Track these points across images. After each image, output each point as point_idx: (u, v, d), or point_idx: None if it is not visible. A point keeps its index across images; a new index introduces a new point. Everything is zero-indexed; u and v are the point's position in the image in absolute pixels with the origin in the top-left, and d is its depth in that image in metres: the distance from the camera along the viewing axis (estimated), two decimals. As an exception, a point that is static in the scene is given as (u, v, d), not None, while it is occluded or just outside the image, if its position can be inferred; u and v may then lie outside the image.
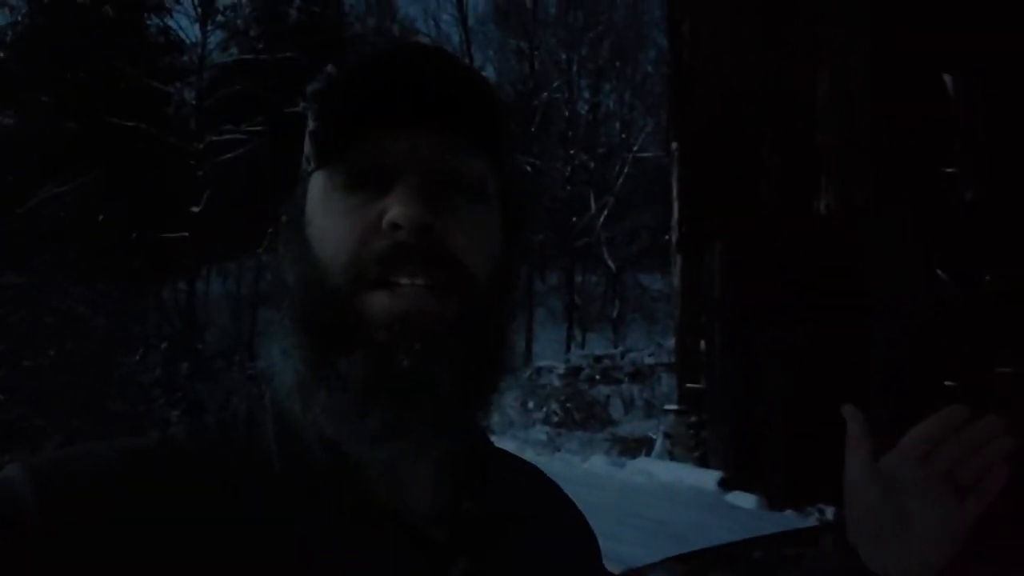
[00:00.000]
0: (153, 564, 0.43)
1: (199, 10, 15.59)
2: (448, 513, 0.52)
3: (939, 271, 6.30)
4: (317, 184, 0.51)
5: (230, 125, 14.45)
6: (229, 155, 14.53)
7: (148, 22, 16.62)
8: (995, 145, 5.95)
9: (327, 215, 0.50)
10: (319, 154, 0.50)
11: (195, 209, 14.28)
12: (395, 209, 0.47)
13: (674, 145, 9.39)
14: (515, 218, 0.55)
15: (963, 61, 6.19)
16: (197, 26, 15.67)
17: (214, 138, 14.63)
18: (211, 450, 0.49)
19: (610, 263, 19.51)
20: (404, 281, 0.46)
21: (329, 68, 0.50)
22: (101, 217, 12.44)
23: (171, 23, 17.08)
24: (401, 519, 0.50)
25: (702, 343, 8.37)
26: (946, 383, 6.09)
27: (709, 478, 7.72)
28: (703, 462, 8.13)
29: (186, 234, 14.19)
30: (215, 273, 17.91)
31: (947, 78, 6.31)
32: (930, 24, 6.32)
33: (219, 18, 16.27)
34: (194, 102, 15.02)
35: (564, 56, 21.41)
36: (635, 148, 20.47)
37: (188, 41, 16.40)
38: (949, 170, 6.25)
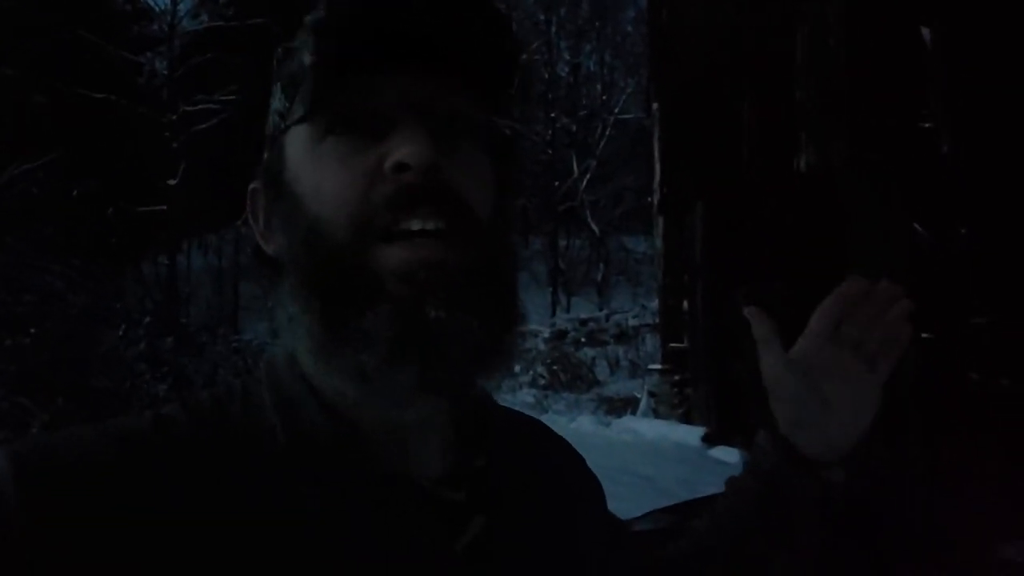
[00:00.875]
0: (154, 559, 0.40)
1: (167, -24, 15.14)
2: (459, 473, 0.51)
3: (916, 225, 6.38)
4: (298, 139, 0.48)
5: (203, 95, 14.16)
6: (203, 125, 14.26)
7: (114, -11, 16.14)
8: (970, 99, 6.00)
9: (319, 168, 0.47)
10: (313, 99, 0.46)
11: (172, 182, 14.06)
12: (402, 149, 0.44)
13: (655, 106, 9.35)
14: (505, 161, 0.53)
15: (940, 14, 6.20)
16: (165, -8, 15.26)
17: (187, 108, 14.35)
18: (208, 428, 0.47)
19: (594, 226, 19.51)
20: (415, 226, 0.44)
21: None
22: (75, 192, 12.24)
23: (138, -10, 16.58)
24: (413, 482, 0.49)
25: (685, 303, 8.46)
26: (923, 335, 6.22)
27: (693, 434, 7.87)
28: (687, 419, 8.29)
29: (164, 207, 13.99)
30: (196, 246, 17.72)
31: (924, 31, 6.32)
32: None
33: (188, -16, 15.83)
34: (166, 72, 14.69)
35: (543, 17, 21.11)
36: (616, 110, 20.33)
37: (157, 9, 15.96)
38: (925, 125, 6.30)
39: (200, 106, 14.13)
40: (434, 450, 0.51)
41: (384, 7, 0.44)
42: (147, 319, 11.12)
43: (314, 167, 0.47)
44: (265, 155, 0.52)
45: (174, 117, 14.22)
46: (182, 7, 15.75)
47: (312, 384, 0.49)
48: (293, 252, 0.47)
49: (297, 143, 0.49)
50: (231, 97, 13.89)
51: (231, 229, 16.47)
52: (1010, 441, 5.05)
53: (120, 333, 9.69)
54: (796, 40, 7.40)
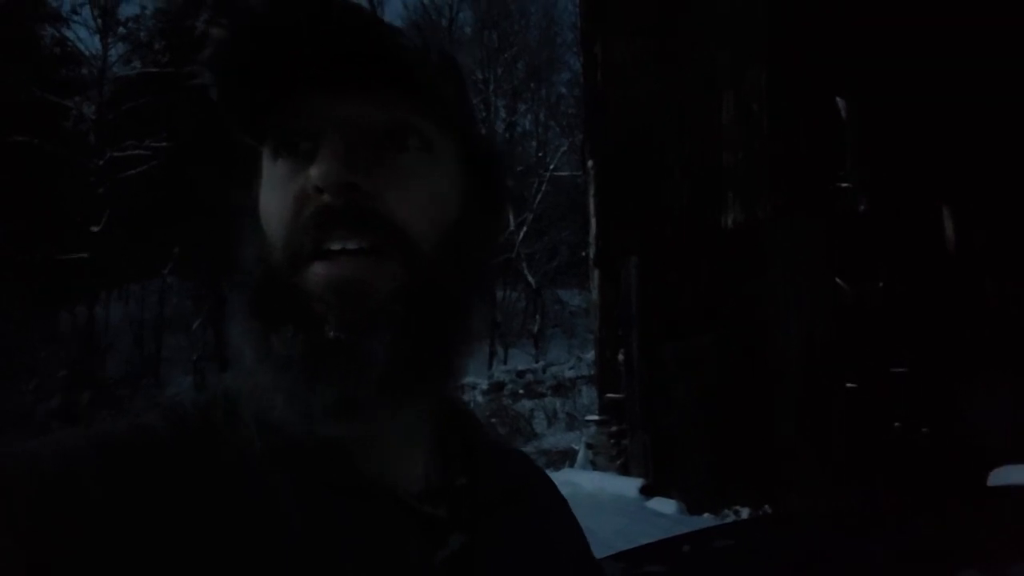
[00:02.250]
0: (134, 566, 0.40)
1: (99, 21, 14.90)
2: (441, 489, 0.51)
3: (837, 279, 6.72)
4: (263, 160, 0.49)
5: (132, 140, 13.81)
6: (131, 172, 13.87)
7: (42, 32, 15.74)
8: (884, 161, 6.42)
9: (267, 189, 0.48)
10: (238, 127, 0.47)
11: (95, 229, 13.54)
12: (315, 171, 0.44)
13: (590, 163, 9.64)
14: (485, 181, 0.52)
15: (852, 84, 6.67)
16: (97, 37, 14.98)
17: (115, 154, 13.95)
18: (189, 437, 0.46)
19: (530, 279, 19.72)
20: (335, 247, 0.44)
21: (215, 31, 0.44)
22: (-11, 238, 11.63)
23: (68, 34, 16.22)
24: (394, 495, 0.48)
25: (620, 355, 8.58)
26: (847, 385, 6.47)
27: (631, 485, 7.88)
28: (624, 470, 8.31)
29: (85, 255, 13.42)
30: (115, 296, 16.98)
31: (840, 101, 6.78)
32: (822, 51, 6.78)
33: (120, 30, 15.59)
34: (94, 116, 14.30)
35: (480, 75, 21.66)
36: (551, 167, 20.85)
37: (87, 53, 15.61)
38: (844, 184, 6.70)
39: (129, 152, 13.76)
40: (416, 465, 0.51)
41: (265, 39, 0.43)
42: (62, 372, 10.51)
43: (265, 188, 0.48)
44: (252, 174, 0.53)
45: (101, 162, 13.79)
46: (113, 52, 15.49)
47: None
48: (244, 272, 0.48)
49: (262, 164, 0.50)
50: (162, 144, 13.61)
51: (155, 278, 15.88)
52: (933, 484, 5.26)
53: (31, 387, 9.12)
54: (722, 104, 7.83)
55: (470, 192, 0.51)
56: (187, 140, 13.45)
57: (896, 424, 6.06)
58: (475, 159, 0.51)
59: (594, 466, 8.83)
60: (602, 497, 7.76)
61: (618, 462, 8.47)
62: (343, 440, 0.47)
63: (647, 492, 7.72)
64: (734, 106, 7.72)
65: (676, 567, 2.28)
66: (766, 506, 6.84)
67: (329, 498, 0.46)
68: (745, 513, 6.94)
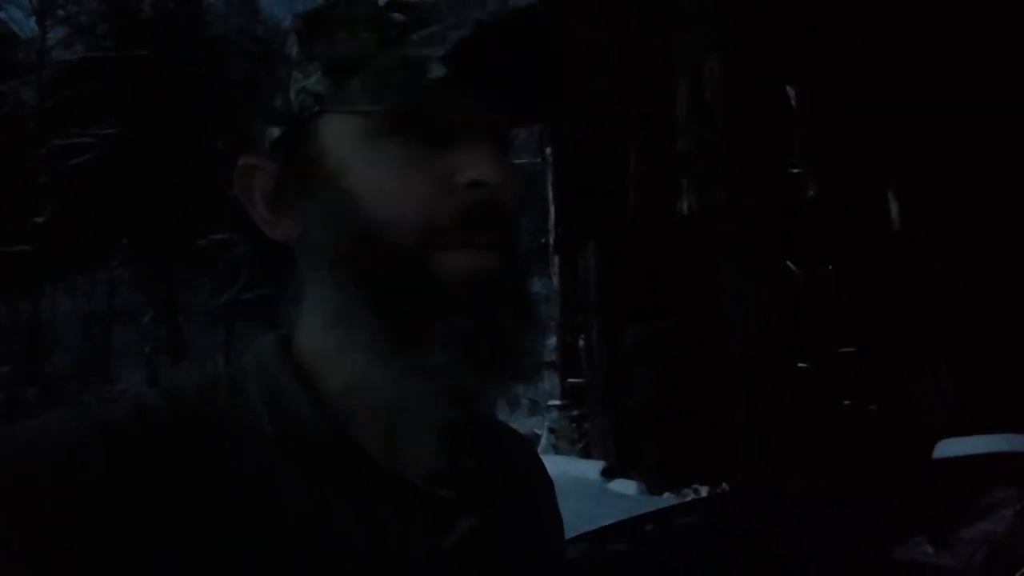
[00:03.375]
0: (135, 550, 0.39)
1: (34, 2, 14.26)
2: (449, 472, 0.51)
3: (788, 263, 6.91)
4: (345, 128, 0.47)
5: (76, 128, 13.31)
6: (76, 160, 13.39)
7: (-27, 14, 15.00)
8: (833, 147, 6.61)
9: (379, 167, 0.46)
10: (413, 106, 0.46)
11: (38, 219, 13.05)
12: (481, 167, 0.46)
13: (548, 150, 9.68)
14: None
15: (802, 73, 6.83)
16: (33, 20, 14.35)
17: (57, 142, 13.44)
18: (192, 419, 0.45)
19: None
20: (478, 240, 0.45)
21: (478, 15, 0.46)
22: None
23: (0, 15, 15.47)
24: (402, 477, 0.48)
25: (581, 340, 8.68)
26: (799, 364, 6.68)
27: (592, 468, 8.01)
28: (586, 453, 8.43)
29: (27, 247, 12.94)
30: (62, 289, 16.43)
31: (790, 89, 6.95)
32: (774, 40, 6.93)
33: (59, 12, 14.94)
34: (34, 102, 13.73)
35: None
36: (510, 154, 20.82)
37: (23, 36, 14.95)
38: (794, 171, 6.88)
39: (73, 140, 13.26)
40: (426, 448, 0.50)
41: (508, 33, 0.46)
42: (5, 368, 10.15)
43: (373, 164, 0.46)
44: (275, 132, 0.50)
45: (43, 151, 13.28)
46: (52, 36, 14.87)
47: (304, 377, 0.48)
48: (345, 248, 0.46)
49: (343, 132, 0.47)
50: (108, 131, 13.15)
51: (103, 270, 15.40)
52: (879, 459, 5.48)
53: (-26, 384, 8.80)
54: (676, 93, 7.93)
55: None
56: (135, 127, 13.05)
57: (846, 402, 6.28)
58: None
59: (556, 450, 8.94)
60: (564, 480, 7.87)
61: (579, 446, 8.60)
62: (372, 422, 0.48)
63: (608, 474, 7.86)
64: (688, 95, 7.84)
65: (639, 546, 2.35)
66: (724, 484, 7.04)
67: (336, 481, 0.46)
68: (704, 491, 7.13)
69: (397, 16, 0.47)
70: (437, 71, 0.44)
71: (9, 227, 12.65)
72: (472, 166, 0.46)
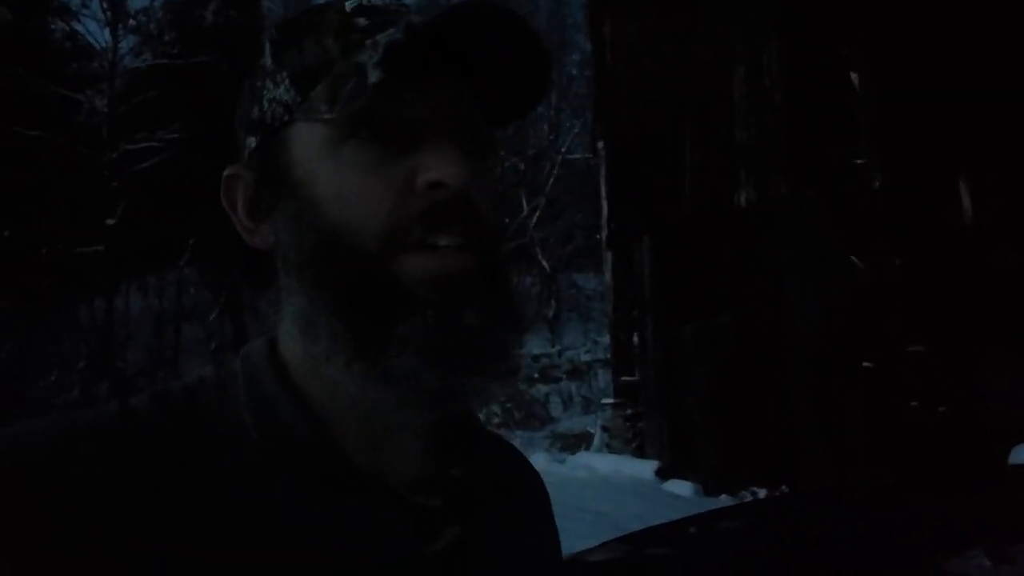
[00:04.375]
0: (121, 553, 0.39)
1: (108, 14, 14.94)
2: (435, 480, 0.51)
3: (852, 257, 6.63)
4: (311, 135, 0.47)
5: (145, 133, 13.90)
6: (145, 164, 13.97)
7: (52, 26, 15.80)
8: (899, 136, 6.31)
9: (342, 172, 0.46)
10: (363, 111, 0.46)
11: (110, 221, 13.66)
12: (441, 168, 0.45)
13: (600, 145, 9.57)
14: (496, 165, 0.55)
15: (866, 60, 6.55)
16: (107, 31, 15.02)
17: (128, 147, 14.04)
18: (178, 421, 0.46)
19: (544, 264, 19.67)
20: (443, 242, 0.45)
21: (411, 18, 0.46)
22: (7, 233, 11.77)
23: (78, 27, 16.26)
24: (388, 485, 0.48)
25: (635, 338, 8.55)
26: (864, 364, 6.41)
27: (647, 468, 7.88)
28: (640, 453, 8.31)
29: (101, 248, 13.56)
30: (135, 288, 17.20)
31: (854, 76, 6.66)
32: (835, 25, 6.65)
33: (131, 22, 15.62)
34: (106, 109, 14.38)
35: (489, 59, 21.46)
36: (563, 149, 20.71)
37: (98, 46, 15.69)
38: (858, 161, 6.60)
39: (142, 144, 13.84)
40: (411, 455, 0.50)
41: (449, 29, 0.45)
42: (81, 364, 10.66)
43: (336, 171, 0.46)
44: (251, 142, 0.51)
45: (114, 155, 13.89)
46: (124, 45, 15.55)
47: (291, 381, 0.49)
48: (308, 253, 0.46)
49: (310, 139, 0.47)
50: (174, 135, 13.67)
51: (172, 270, 16.04)
52: (948, 464, 5.20)
53: (52, 379, 9.27)
54: (733, 81, 7.71)
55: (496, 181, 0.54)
56: (198, 131, 13.51)
57: (913, 404, 5.99)
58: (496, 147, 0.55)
59: (610, 449, 8.84)
60: (618, 480, 7.77)
61: (634, 445, 8.47)
62: (358, 428, 0.48)
63: (663, 474, 7.71)
64: (746, 82, 7.61)
65: (681, 549, 2.27)
66: (783, 487, 6.81)
67: (322, 487, 0.46)
68: (762, 494, 6.91)
69: (361, 21, 0.47)
70: (373, 76, 0.44)
71: (84, 229, 13.30)
72: (431, 168, 0.45)
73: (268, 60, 0.49)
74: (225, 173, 0.52)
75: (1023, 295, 5.35)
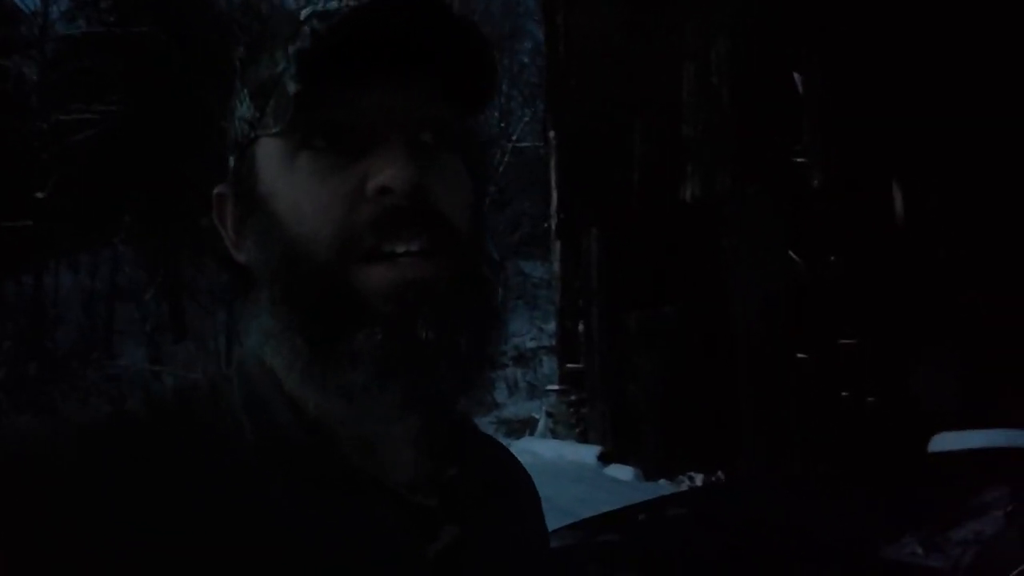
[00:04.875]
0: (114, 557, 0.39)
1: (37, -24, 14.15)
2: (432, 480, 0.51)
3: (791, 253, 6.86)
4: (271, 150, 0.47)
5: (80, 104, 13.26)
6: (79, 136, 13.34)
7: (-24, -13, 14.89)
8: (839, 136, 6.54)
9: (296, 184, 0.45)
10: (294, 118, 0.44)
11: (40, 195, 13.03)
12: (386, 172, 0.44)
13: (551, 134, 9.61)
14: (480, 166, 0.54)
15: (811, 61, 6.75)
16: (36, -6, 14.24)
17: (62, 117, 13.38)
18: (173, 425, 0.45)
19: (492, 251, 19.66)
20: (400, 249, 0.44)
21: (311, 24, 0.44)
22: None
23: (4, -11, 15.34)
24: (385, 486, 0.48)
25: (581, 326, 8.67)
26: (798, 355, 6.67)
27: (589, 453, 8.04)
28: (583, 438, 8.46)
29: (30, 223, 12.93)
30: (65, 266, 16.45)
31: (797, 76, 6.86)
32: (783, 26, 6.84)
33: (62, -14, 14.83)
34: (35, 77, 13.65)
35: (440, 42, 21.19)
36: (514, 138, 20.69)
37: (26, 10, 14.85)
38: (800, 160, 6.82)
39: (76, 116, 13.20)
40: (407, 456, 0.50)
41: (365, 27, 0.43)
42: (7, 343, 10.19)
43: (291, 183, 0.46)
44: (232, 161, 0.51)
45: (45, 126, 13.22)
46: (55, 9, 14.76)
47: (285, 386, 0.48)
48: (271, 268, 0.46)
49: (270, 155, 0.47)
50: (111, 108, 13.09)
51: (107, 247, 15.41)
52: (878, 453, 5.47)
53: (-24, 359, 8.83)
54: (683, 77, 7.85)
55: (476, 177, 0.52)
56: (137, 104, 12.98)
57: (844, 394, 6.27)
58: (477, 142, 0.54)
59: (554, 435, 8.97)
60: (561, 464, 7.90)
61: (577, 430, 8.62)
62: (344, 432, 0.47)
63: (605, 459, 7.88)
64: (695, 78, 7.75)
65: (631, 536, 2.34)
66: (719, 472, 7.05)
67: (320, 490, 0.46)
68: (699, 479, 7.14)
69: (283, 50, 0.45)
70: (291, 88, 0.43)
71: (11, 202, 12.65)
72: (378, 172, 0.44)
73: (237, 81, 0.50)
74: (214, 192, 0.52)
75: (950, 293, 5.65)
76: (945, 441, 4.12)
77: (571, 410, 8.78)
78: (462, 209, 0.48)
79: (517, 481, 0.62)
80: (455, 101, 0.48)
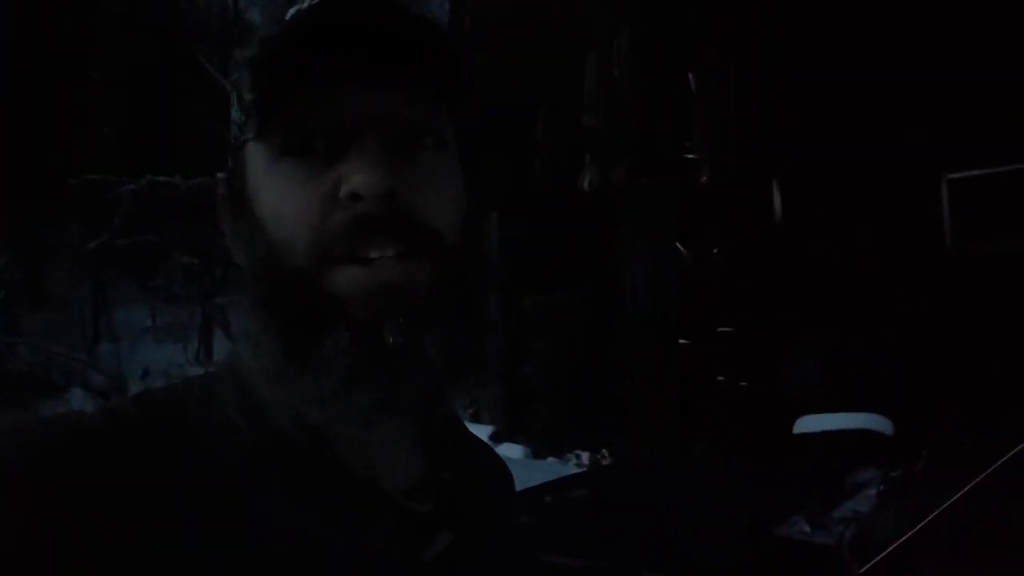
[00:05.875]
0: (107, 557, 0.38)
1: None
2: (426, 485, 0.51)
3: (678, 244, 7.22)
4: (255, 154, 0.47)
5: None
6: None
7: None
8: (726, 137, 6.92)
9: (275, 188, 0.45)
10: (261, 124, 0.44)
11: None
12: (354, 178, 0.43)
13: (452, 115, 9.52)
14: (472, 160, 0.53)
15: (703, 63, 7.08)
16: None
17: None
18: (165, 425, 0.44)
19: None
20: (373, 254, 0.43)
21: (260, 31, 0.44)
22: None
23: None
24: (382, 489, 0.48)
25: (478, 308, 8.74)
26: (680, 341, 7.06)
27: (481, 433, 8.13)
28: (476, 418, 8.58)
29: None
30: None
31: (691, 76, 7.19)
32: (682, 24, 7.12)
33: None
34: None
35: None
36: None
37: None
38: (690, 155, 7.16)
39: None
40: (401, 461, 0.50)
41: (317, 30, 0.42)
42: None
43: (271, 188, 0.45)
44: (230, 162, 0.50)
45: None
46: None
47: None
48: (255, 271, 0.47)
49: (255, 159, 0.47)
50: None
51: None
52: (753, 434, 5.91)
53: None
54: (586, 67, 8.01)
55: (466, 176, 0.51)
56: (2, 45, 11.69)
57: (720, 378, 6.70)
58: (463, 133, 0.53)
59: (446, 415, 9.03)
60: (454, 444, 7.97)
61: (470, 411, 8.73)
62: (339, 435, 0.47)
63: (496, 438, 8.05)
64: (598, 69, 7.93)
65: (538, 517, 2.43)
66: (603, 451, 7.38)
67: (317, 492, 0.45)
68: (585, 457, 7.45)
69: (254, 39, 0.45)
70: (248, 97, 0.44)
71: None
72: (348, 179, 0.43)
73: (230, 83, 0.50)
74: (218, 194, 0.52)
75: (819, 286, 6.16)
76: (808, 423, 4.50)
77: (464, 391, 8.87)
78: (446, 210, 0.47)
79: (501, 481, 0.63)
80: (440, 102, 0.48)
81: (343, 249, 0.43)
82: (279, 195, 0.45)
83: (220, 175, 0.52)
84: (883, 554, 1.40)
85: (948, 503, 1.52)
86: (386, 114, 0.45)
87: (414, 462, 0.51)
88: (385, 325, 0.43)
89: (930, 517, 1.50)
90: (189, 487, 0.42)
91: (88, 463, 0.40)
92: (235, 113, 0.48)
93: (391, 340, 0.43)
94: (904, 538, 1.46)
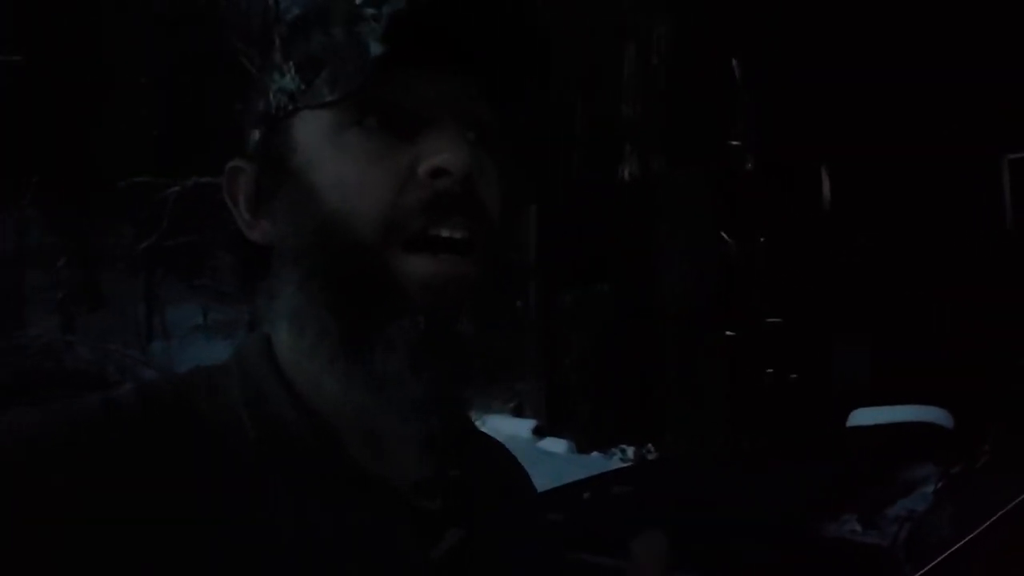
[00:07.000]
0: (106, 552, 0.37)
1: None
2: (435, 481, 0.50)
3: (722, 233, 7.09)
4: (314, 123, 0.46)
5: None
6: (-19, 90, 12.39)
7: None
8: (771, 124, 6.76)
9: (343, 159, 0.45)
10: (362, 89, 0.44)
11: (-63, 152, 12.07)
12: (443, 154, 0.43)
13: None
14: (515, 155, 0.53)
15: (747, 48, 6.93)
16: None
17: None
18: (168, 418, 0.44)
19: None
20: (445, 233, 0.44)
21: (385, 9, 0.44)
22: None
23: None
24: (390, 485, 0.47)
25: (518, 302, 8.73)
26: (727, 333, 6.93)
27: (524, 427, 8.16)
28: (518, 412, 8.58)
29: (-74, 181, 11.98)
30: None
31: (734, 62, 7.03)
32: (722, 11, 6.97)
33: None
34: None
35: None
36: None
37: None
38: (733, 143, 7.02)
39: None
40: (410, 456, 0.49)
41: (454, 7, 0.44)
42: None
43: (337, 157, 0.45)
44: (257, 134, 0.49)
45: (-58, 77, 12.21)
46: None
47: (286, 379, 0.47)
48: (306, 243, 0.45)
49: (312, 128, 0.46)
50: (15, 58, 12.20)
51: (14, 209, 14.48)
52: (800, 429, 5.76)
53: None
54: (624, 56, 7.92)
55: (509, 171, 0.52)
56: (50, 56, 12.16)
57: (769, 371, 6.56)
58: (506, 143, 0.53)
59: (489, 409, 9.05)
60: (496, 438, 7.99)
61: (511, 405, 8.73)
62: (348, 431, 0.47)
63: (539, 433, 8.03)
64: (636, 59, 7.83)
65: (575, 514, 2.39)
66: (649, 444, 7.29)
67: (322, 487, 0.45)
68: (631, 451, 7.37)
69: (370, 11, 0.44)
70: (375, 49, 0.43)
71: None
72: (433, 154, 0.44)
73: (277, 55, 0.48)
74: (228, 166, 0.50)
75: (868, 276, 5.97)
76: (863, 416, 4.36)
77: (506, 385, 8.88)
78: (496, 205, 0.48)
79: (516, 480, 0.62)
80: (498, 98, 0.48)
81: (418, 225, 0.43)
82: (347, 165, 0.44)
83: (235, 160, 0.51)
84: (939, 558, 1.32)
85: (1012, 504, 1.42)
86: (461, 103, 0.46)
87: (424, 459, 0.50)
88: (458, 313, 0.44)
89: (992, 519, 1.40)
90: (190, 481, 0.41)
91: (87, 459, 0.40)
92: (288, 81, 0.47)
93: (462, 328, 0.44)
94: (963, 541, 1.37)
